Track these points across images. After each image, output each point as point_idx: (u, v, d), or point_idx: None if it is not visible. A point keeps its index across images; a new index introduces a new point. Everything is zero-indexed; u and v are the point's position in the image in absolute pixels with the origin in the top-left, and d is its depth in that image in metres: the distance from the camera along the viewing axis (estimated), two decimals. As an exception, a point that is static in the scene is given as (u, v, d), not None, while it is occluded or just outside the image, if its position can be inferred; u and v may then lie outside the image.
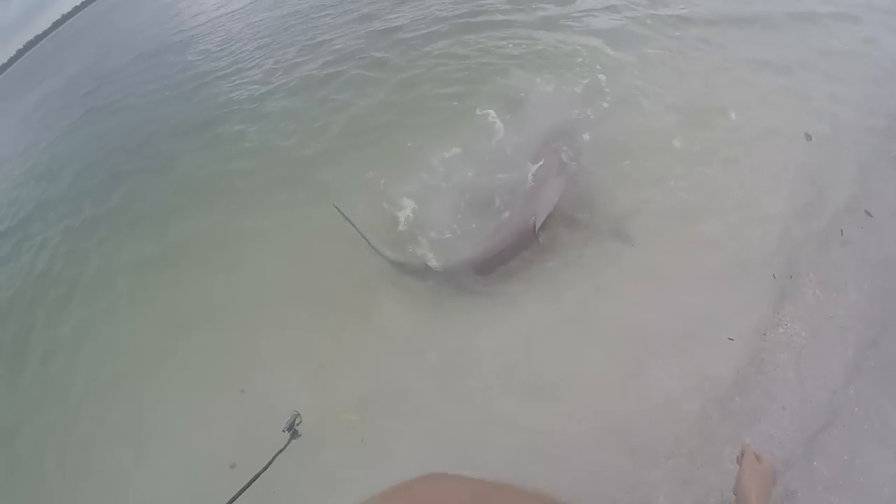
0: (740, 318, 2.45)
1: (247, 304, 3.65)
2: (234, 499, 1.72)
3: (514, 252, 3.08)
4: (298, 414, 2.21)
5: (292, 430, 2.11)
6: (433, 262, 3.18)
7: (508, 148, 3.94)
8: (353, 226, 3.62)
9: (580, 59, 4.76)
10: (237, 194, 4.96)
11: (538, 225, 2.97)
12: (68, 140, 9.86)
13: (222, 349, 3.38)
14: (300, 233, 4.09)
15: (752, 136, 3.41)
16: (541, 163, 3.59)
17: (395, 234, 3.54)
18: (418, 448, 2.41)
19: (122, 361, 3.72)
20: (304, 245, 3.95)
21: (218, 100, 7.65)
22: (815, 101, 3.60)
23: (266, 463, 1.87)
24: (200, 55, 10.97)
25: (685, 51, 4.44)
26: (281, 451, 1.99)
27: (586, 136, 3.74)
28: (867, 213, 2.82)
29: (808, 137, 3.35)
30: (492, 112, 4.43)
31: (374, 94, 5.67)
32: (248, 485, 1.71)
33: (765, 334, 2.38)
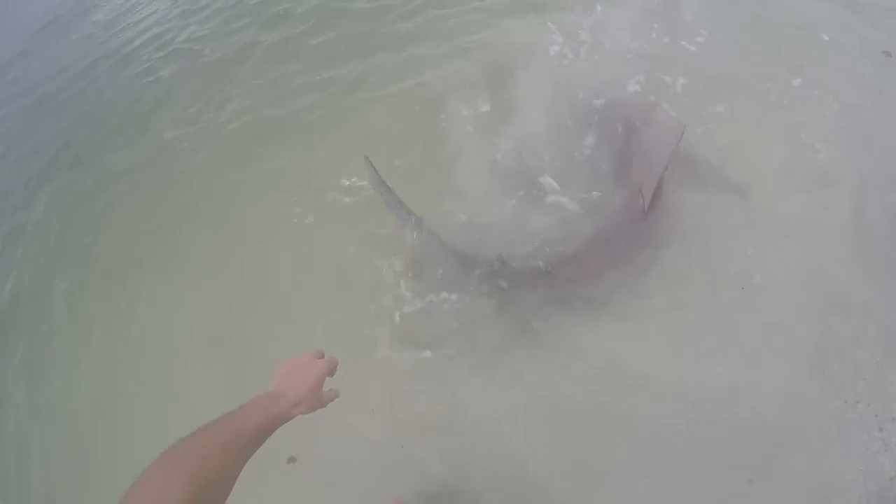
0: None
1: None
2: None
3: (616, 238, 2.29)
4: None
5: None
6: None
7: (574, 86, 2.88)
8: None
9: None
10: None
11: (647, 200, 2.19)
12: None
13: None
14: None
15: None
16: (629, 110, 2.64)
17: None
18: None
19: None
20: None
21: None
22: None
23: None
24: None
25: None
26: None
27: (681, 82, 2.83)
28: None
29: (888, 55, 2.73)
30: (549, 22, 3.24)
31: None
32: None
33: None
